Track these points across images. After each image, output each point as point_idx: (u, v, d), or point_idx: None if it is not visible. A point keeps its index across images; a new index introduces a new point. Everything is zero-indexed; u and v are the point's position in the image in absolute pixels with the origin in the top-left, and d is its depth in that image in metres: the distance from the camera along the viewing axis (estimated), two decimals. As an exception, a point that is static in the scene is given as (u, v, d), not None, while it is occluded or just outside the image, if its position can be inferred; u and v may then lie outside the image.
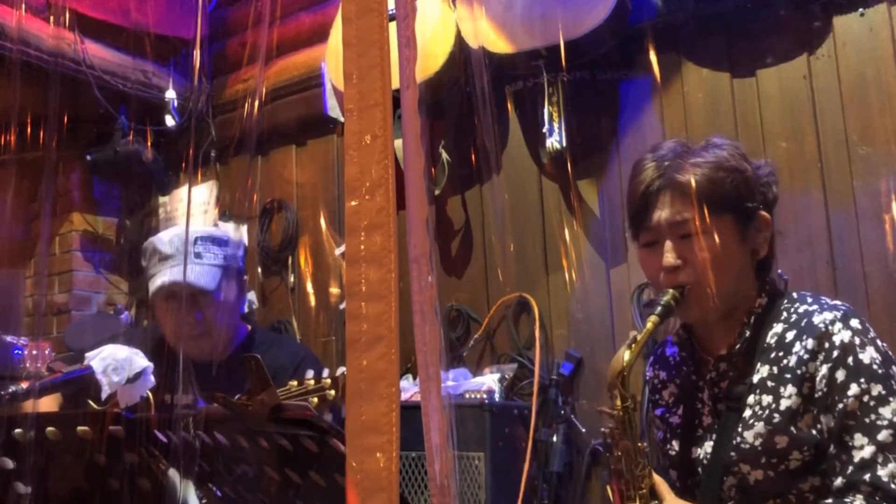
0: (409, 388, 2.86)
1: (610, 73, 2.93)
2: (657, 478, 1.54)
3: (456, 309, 3.18)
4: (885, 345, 1.50)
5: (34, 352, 3.04)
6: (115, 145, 3.83)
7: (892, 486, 1.37)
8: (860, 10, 2.55)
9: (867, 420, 1.41)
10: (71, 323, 3.98)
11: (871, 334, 1.49)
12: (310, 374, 1.85)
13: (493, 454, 2.54)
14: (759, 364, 1.55)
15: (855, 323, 1.49)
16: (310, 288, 3.59)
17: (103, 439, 1.26)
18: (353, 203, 0.75)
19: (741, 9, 2.70)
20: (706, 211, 1.53)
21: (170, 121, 3.91)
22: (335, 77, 3.31)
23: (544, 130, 2.81)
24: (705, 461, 1.59)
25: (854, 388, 1.43)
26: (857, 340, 1.46)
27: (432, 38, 2.97)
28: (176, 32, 3.89)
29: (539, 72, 2.82)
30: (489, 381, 2.82)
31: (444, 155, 3.18)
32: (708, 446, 1.60)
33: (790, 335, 1.53)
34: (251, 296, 3.56)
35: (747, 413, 1.53)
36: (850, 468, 1.41)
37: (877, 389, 1.42)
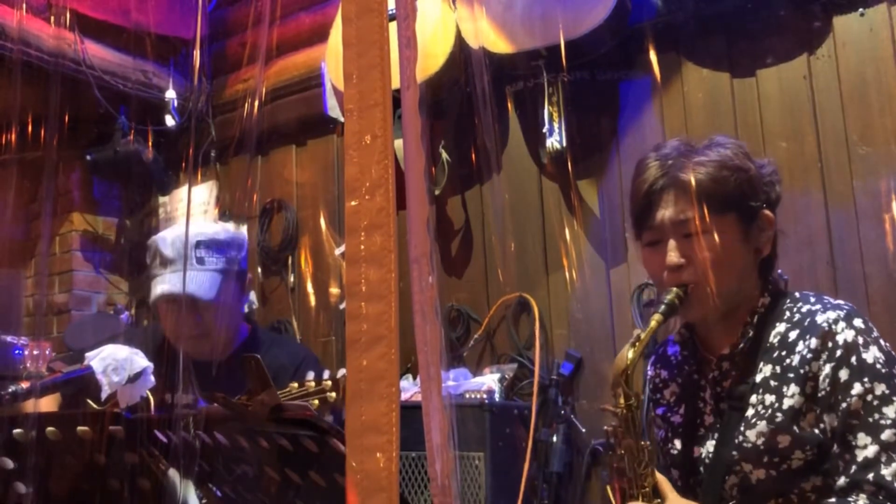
0: (410, 388, 2.86)
1: (610, 73, 2.93)
2: (660, 476, 1.54)
3: (456, 309, 3.18)
4: (888, 344, 1.50)
5: (34, 352, 3.04)
6: (115, 145, 3.83)
7: None
8: (860, 10, 2.55)
9: (871, 419, 1.41)
10: (71, 323, 3.98)
11: (875, 334, 1.49)
12: (310, 375, 1.86)
13: (493, 454, 2.54)
14: (761, 363, 1.55)
15: (858, 322, 1.48)
16: (310, 288, 3.59)
17: (103, 439, 1.26)
18: (353, 203, 0.75)
19: (741, 9, 2.70)
20: (709, 210, 1.53)
21: (170, 121, 3.91)
22: (335, 77, 3.31)
23: (544, 130, 2.81)
24: (707, 460, 1.59)
25: (857, 388, 1.42)
26: (861, 340, 1.46)
27: (432, 38, 2.97)
28: (176, 32, 3.89)
29: (539, 72, 2.82)
30: (489, 381, 2.82)
31: (445, 155, 3.18)
32: (710, 445, 1.59)
33: (793, 334, 1.53)
34: (251, 296, 3.56)
35: (750, 412, 1.53)
36: (854, 467, 1.41)
37: (880, 389, 1.42)
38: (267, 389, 1.34)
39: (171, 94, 3.90)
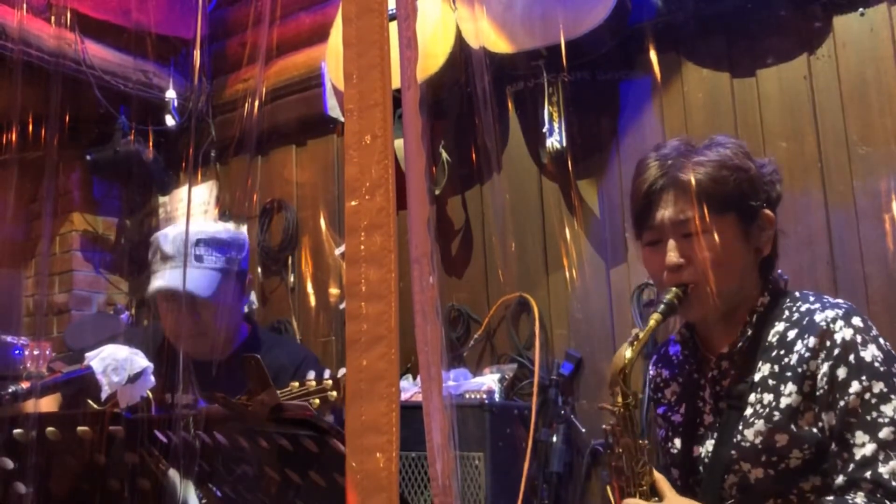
0: (410, 388, 2.86)
1: (610, 73, 2.93)
2: (658, 475, 1.54)
3: (456, 309, 3.18)
4: (887, 343, 1.50)
5: (34, 352, 3.04)
6: (115, 145, 3.83)
7: (894, 483, 1.37)
8: (860, 10, 2.55)
9: (868, 418, 1.41)
10: (71, 323, 3.98)
11: (874, 332, 1.49)
12: (311, 375, 1.86)
13: (493, 454, 2.54)
14: (760, 362, 1.55)
15: (857, 321, 1.48)
16: (310, 288, 3.59)
17: (103, 439, 1.26)
18: (353, 203, 0.75)
19: (741, 9, 2.70)
20: (709, 210, 1.53)
21: (170, 121, 3.91)
22: (335, 77, 3.31)
23: (544, 130, 2.81)
24: (706, 460, 1.59)
25: (855, 386, 1.42)
26: (859, 338, 1.46)
27: (433, 38, 2.97)
28: (176, 32, 3.89)
29: (539, 72, 2.81)
30: (489, 381, 2.82)
31: (445, 155, 3.18)
32: (709, 445, 1.60)
33: (792, 334, 1.53)
34: (251, 296, 3.56)
35: (748, 411, 1.53)
36: (852, 466, 1.41)
37: (878, 387, 1.42)
38: (267, 389, 1.34)
39: (171, 94, 3.90)
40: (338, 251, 3.49)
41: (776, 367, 1.52)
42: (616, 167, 2.94)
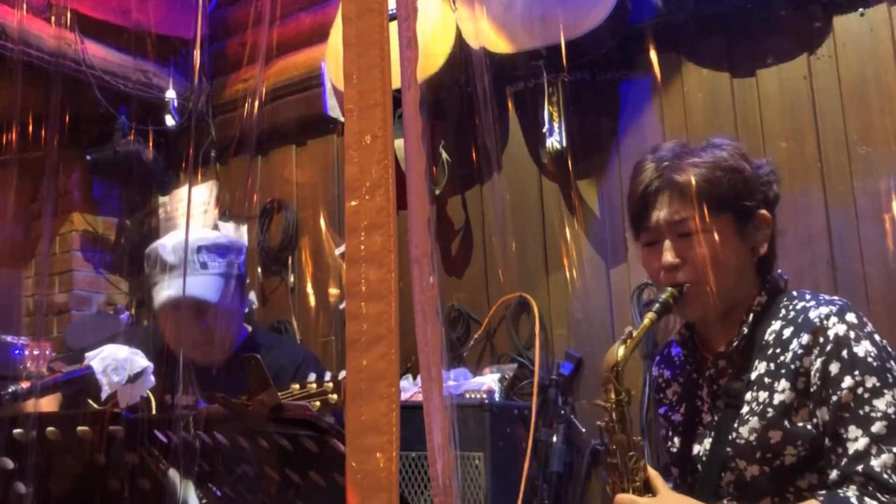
0: (409, 388, 2.86)
1: (610, 73, 2.93)
2: (652, 471, 1.55)
3: (456, 309, 3.18)
4: (883, 340, 1.50)
5: (34, 352, 3.04)
6: (115, 145, 3.83)
7: (885, 476, 1.37)
8: (860, 10, 2.55)
9: (861, 412, 1.41)
10: (71, 323, 3.98)
11: (868, 328, 1.49)
12: (312, 377, 1.86)
13: (493, 454, 2.54)
14: (757, 361, 1.56)
15: (851, 317, 1.49)
16: (310, 288, 3.59)
17: (103, 439, 1.26)
18: (353, 203, 0.75)
19: (741, 9, 2.70)
20: (704, 210, 1.54)
21: (170, 121, 3.91)
22: (335, 77, 3.31)
23: (544, 130, 2.81)
24: (704, 458, 1.60)
25: (848, 381, 1.43)
26: (853, 334, 1.46)
27: (433, 38, 2.97)
28: (176, 32, 3.89)
29: (539, 72, 2.81)
30: (489, 381, 2.82)
31: (445, 155, 3.18)
32: (707, 443, 1.61)
33: (788, 332, 1.54)
34: (251, 296, 3.56)
35: (744, 409, 1.54)
36: (844, 460, 1.41)
37: (871, 381, 1.42)
38: (267, 390, 1.34)
39: (171, 94, 3.90)
40: (338, 251, 3.49)
41: (772, 365, 1.53)
42: (616, 167, 2.94)
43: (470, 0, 2.97)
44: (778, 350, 1.53)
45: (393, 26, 0.77)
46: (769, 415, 1.49)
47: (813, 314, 1.51)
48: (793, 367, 1.49)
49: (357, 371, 0.73)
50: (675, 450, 1.69)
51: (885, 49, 2.50)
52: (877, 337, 1.49)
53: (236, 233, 3.65)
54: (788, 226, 2.49)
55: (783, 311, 1.58)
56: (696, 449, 1.63)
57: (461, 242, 3.24)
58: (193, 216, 3.88)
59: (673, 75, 2.85)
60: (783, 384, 1.49)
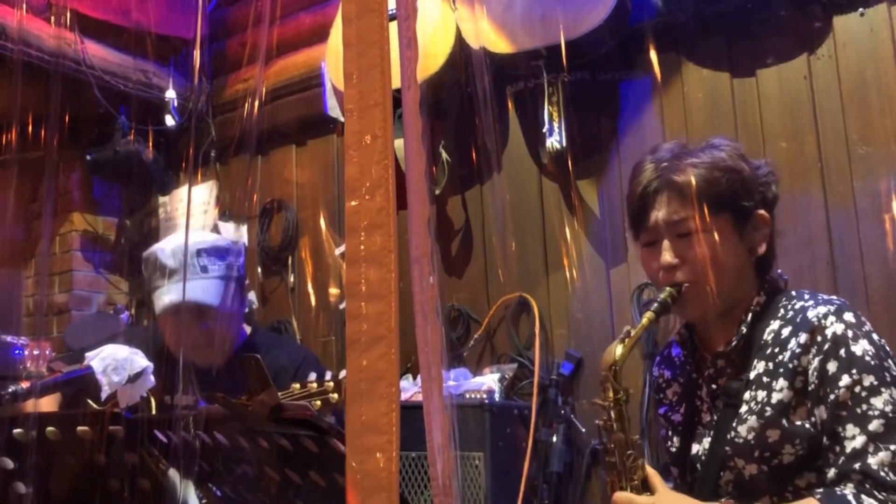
0: (409, 388, 2.86)
1: (610, 73, 2.93)
2: (650, 470, 1.56)
3: (456, 309, 3.18)
4: (882, 339, 1.50)
5: (34, 352, 3.04)
6: (115, 145, 3.83)
7: (882, 473, 1.37)
8: (860, 10, 2.55)
9: (859, 410, 1.42)
10: (71, 323, 3.98)
11: (866, 328, 1.50)
12: (312, 376, 1.86)
13: (493, 454, 2.54)
14: (755, 360, 1.56)
15: (849, 316, 1.49)
16: (310, 288, 3.59)
17: (103, 439, 1.26)
18: (353, 203, 0.75)
19: (741, 9, 2.70)
20: (703, 210, 1.55)
21: (170, 121, 3.91)
22: (335, 77, 3.31)
23: (544, 130, 2.81)
24: (703, 457, 1.61)
25: (846, 379, 1.43)
26: (850, 333, 1.47)
27: (433, 38, 2.97)
28: (176, 32, 3.89)
29: (539, 72, 2.81)
30: (489, 381, 2.82)
31: (445, 155, 3.18)
32: (706, 442, 1.61)
33: (786, 331, 1.54)
34: (251, 296, 3.56)
35: (743, 409, 1.54)
36: (842, 459, 1.42)
37: (869, 380, 1.43)
38: (267, 389, 1.34)
39: (171, 94, 3.90)
40: (338, 251, 3.49)
41: (770, 365, 1.54)
42: (616, 167, 2.94)
43: (470, 0, 2.97)
44: (776, 349, 1.54)
45: (393, 26, 0.77)
46: (767, 414, 1.50)
47: (811, 313, 1.51)
48: (791, 366, 1.50)
49: (357, 371, 0.73)
50: (674, 449, 1.70)
51: (885, 49, 2.50)
52: (875, 336, 1.49)
53: (236, 233, 3.66)
54: (788, 226, 2.49)
55: (782, 311, 1.58)
56: (696, 448, 1.64)
57: (461, 242, 3.24)
58: (193, 216, 3.88)
59: (673, 75, 2.85)
60: (781, 383, 1.50)
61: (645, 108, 2.91)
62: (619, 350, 1.55)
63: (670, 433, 1.73)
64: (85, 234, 4.13)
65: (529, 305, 2.99)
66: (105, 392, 1.92)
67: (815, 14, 2.61)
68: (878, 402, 1.41)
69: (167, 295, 2.24)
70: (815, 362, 1.47)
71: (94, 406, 1.94)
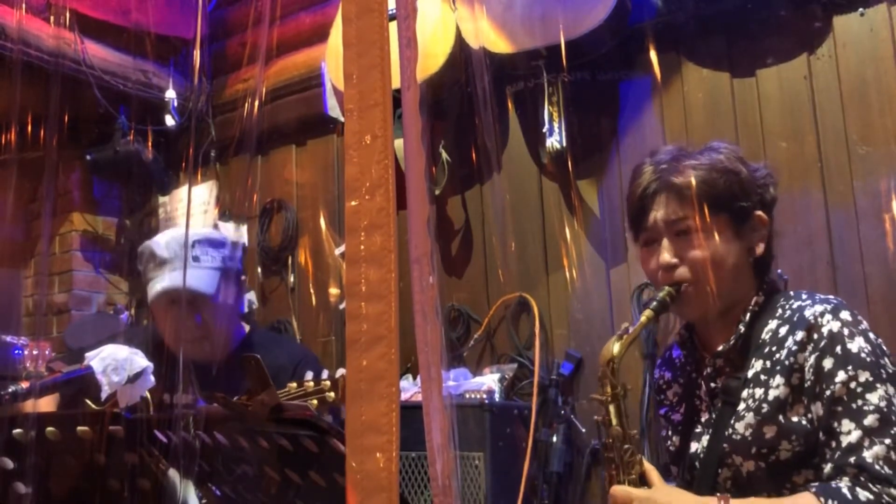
0: (410, 388, 2.86)
1: (610, 73, 2.93)
2: (648, 465, 1.57)
3: (456, 309, 3.18)
4: (878, 338, 1.52)
5: (34, 352, 3.04)
6: (115, 145, 3.83)
7: (877, 467, 1.39)
8: (860, 10, 2.55)
9: (854, 406, 1.43)
10: (71, 323, 3.98)
11: (863, 326, 1.51)
12: (309, 375, 1.86)
13: (493, 454, 2.54)
14: (753, 359, 1.58)
15: (845, 315, 1.51)
16: (310, 288, 3.59)
17: (103, 439, 1.26)
18: (353, 203, 0.75)
19: (741, 9, 2.70)
20: (700, 211, 1.57)
21: (170, 121, 3.91)
22: (335, 77, 3.31)
23: (544, 130, 2.81)
24: (702, 455, 1.62)
25: (841, 375, 1.45)
26: (846, 331, 1.48)
27: (432, 38, 2.97)
28: (176, 32, 3.89)
29: (539, 72, 2.81)
30: (489, 381, 2.82)
31: (445, 155, 3.18)
32: (705, 440, 1.63)
33: (783, 330, 1.56)
34: (251, 296, 3.57)
35: (741, 406, 1.56)
36: (838, 453, 1.43)
37: (864, 376, 1.44)
38: (267, 389, 1.34)
39: (171, 94, 3.90)
40: (338, 251, 3.49)
41: (767, 363, 1.55)
42: (616, 167, 2.94)
43: (470, 0, 2.97)
44: (774, 348, 1.55)
45: (393, 26, 0.77)
46: (764, 410, 1.51)
47: (808, 312, 1.53)
48: (787, 363, 1.51)
49: (357, 371, 0.73)
50: (673, 448, 1.72)
51: (885, 49, 2.50)
52: (871, 334, 1.51)
53: (236, 233, 3.66)
54: (788, 226, 2.49)
55: (779, 311, 1.60)
56: (695, 446, 1.65)
57: (461, 242, 3.24)
58: (193, 216, 3.88)
59: (673, 75, 2.85)
60: (778, 380, 1.52)
61: (645, 108, 2.91)
62: (616, 346, 1.57)
63: (670, 433, 1.74)
64: (85, 234, 4.13)
65: (529, 305, 2.99)
66: (105, 392, 1.92)
67: (815, 14, 2.61)
68: (873, 397, 1.43)
69: (159, 283, 2.24)
70: (812, 359, 1.48)
71: (94, 406, 1.94)
